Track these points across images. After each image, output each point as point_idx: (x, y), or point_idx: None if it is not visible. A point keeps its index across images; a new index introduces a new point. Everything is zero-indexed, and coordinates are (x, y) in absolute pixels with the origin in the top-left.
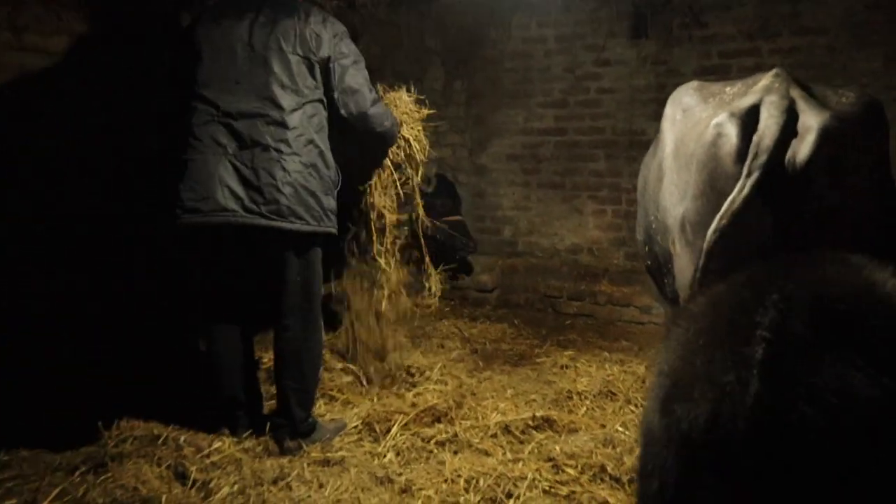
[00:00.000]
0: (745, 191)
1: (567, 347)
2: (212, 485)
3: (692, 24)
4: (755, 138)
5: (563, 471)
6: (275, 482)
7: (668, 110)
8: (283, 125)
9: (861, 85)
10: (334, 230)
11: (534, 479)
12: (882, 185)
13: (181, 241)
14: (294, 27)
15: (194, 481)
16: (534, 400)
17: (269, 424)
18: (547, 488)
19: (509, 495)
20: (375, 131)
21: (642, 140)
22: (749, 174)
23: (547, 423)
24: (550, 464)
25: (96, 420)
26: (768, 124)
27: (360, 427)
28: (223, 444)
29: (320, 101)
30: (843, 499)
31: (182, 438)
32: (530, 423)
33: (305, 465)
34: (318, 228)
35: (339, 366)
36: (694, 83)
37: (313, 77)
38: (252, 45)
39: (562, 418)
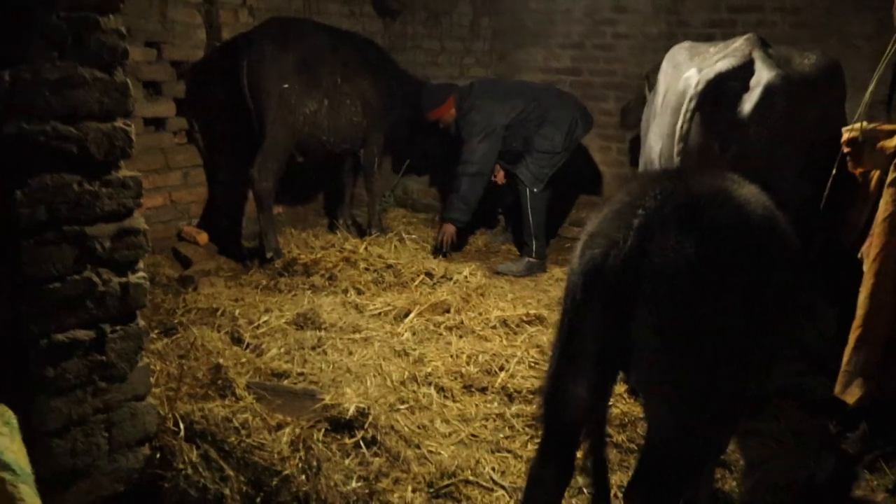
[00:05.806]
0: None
1: (564, 265)
2: (263, 346)
3: None
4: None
5: (547, 354)
6: (314, 348)
7: (664, 64)
8: None
9: (854, 47)
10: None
11: (522, 357)
12: (829, 129)
13: None
14: None
15: (248, 344)
16: (530, 303)
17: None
18: (532, 364)
19: (501, 368)
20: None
21: None
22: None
23: (538, 320)
24: (537, 349)
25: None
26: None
27: (383, 313)
28: (270, 318)
29: None
30: (672, 319)
31: (237, 312)
32: (524, 318)
33: (338, 337)
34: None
35: (363, 265)
36: (686, 43)
37: None
38: None
39: (551, 317)
